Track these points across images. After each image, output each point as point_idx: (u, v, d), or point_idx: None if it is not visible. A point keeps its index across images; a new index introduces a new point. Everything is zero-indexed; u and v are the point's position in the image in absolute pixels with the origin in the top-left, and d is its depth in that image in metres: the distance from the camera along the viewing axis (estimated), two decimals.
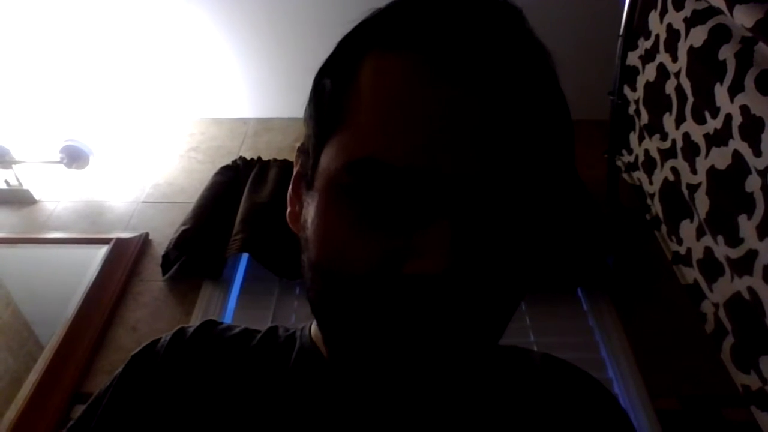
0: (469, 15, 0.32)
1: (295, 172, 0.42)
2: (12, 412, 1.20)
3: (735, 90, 0.91)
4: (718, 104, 0.97)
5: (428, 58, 0.31)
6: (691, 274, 1.14)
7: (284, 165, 1.76)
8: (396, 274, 0.31)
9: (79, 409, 1.25)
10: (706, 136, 1.03)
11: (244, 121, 2.16)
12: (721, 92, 0.95)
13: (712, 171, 1.02)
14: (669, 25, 1.15)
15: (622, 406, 0.49)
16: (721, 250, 1.00)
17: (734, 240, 0.95)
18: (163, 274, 1.53)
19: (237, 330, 0.48)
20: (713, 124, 0.99)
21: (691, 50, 1.05)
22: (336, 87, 0.35)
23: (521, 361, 0.48)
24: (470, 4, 0.33)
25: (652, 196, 1.32)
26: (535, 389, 0.46)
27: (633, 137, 1.43)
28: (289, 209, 0.43)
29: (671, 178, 1.20)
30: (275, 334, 0.48)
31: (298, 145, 0.41)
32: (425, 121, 0.30)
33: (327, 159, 0.35)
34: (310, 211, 0.36)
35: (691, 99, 1.08)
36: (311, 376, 0.43)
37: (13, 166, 1.78)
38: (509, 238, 0.32)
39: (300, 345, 0.46)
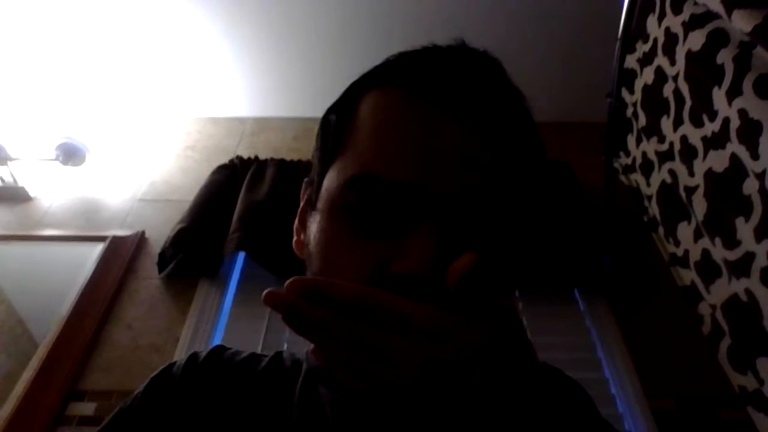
0: (452, 62, 0.40)
1: (300, 206, 0.47)
2: (6, 410, 1.20)
3: (733, 94, 0.91)
4: (716, 108, 0.98)
5: (417, 92, 0.38)
6: (689, 276, 1.15)
7: (281, 164, 1.76)
8: (384, 275, 0.34)
9: (74, 406, 1.25)
10: (704, 139, 1.04)
11: (241, 120, 2.15)
12: (719, 96, 0.96)
13: (709, 174, 1.02)
14: (667, 29, 1.16)
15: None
16: (719, 253, 1.01)
17: (732, 242, 0.96)
18: (160, 272, 1.53)
19: (244, 355, 0.52)
20: (711, 128, 1.00)
21: (690, 54, 1.06)
22: (339, 120, 0.42)
23: None
24: (454, 55, 0.40)
25: (649, 198, 1.32)
26: None
27: (631, 140, 1.44)
28: (295, 238, 0.47)
29: (669, 180, 1.21)
30: (280, 359, 0.51)
31: (306, 179, 0.47)
32: (414, 143, 0.36)
33: (328, 181, 0.40)
34: (312, 230, 0.41)
35: (689, 102, 1.08)
36: (319, 400, 0.45)
37: (8, 162, 1.77)
38: (488, 244, 0.37)
39: (307, 368, 0.48)
